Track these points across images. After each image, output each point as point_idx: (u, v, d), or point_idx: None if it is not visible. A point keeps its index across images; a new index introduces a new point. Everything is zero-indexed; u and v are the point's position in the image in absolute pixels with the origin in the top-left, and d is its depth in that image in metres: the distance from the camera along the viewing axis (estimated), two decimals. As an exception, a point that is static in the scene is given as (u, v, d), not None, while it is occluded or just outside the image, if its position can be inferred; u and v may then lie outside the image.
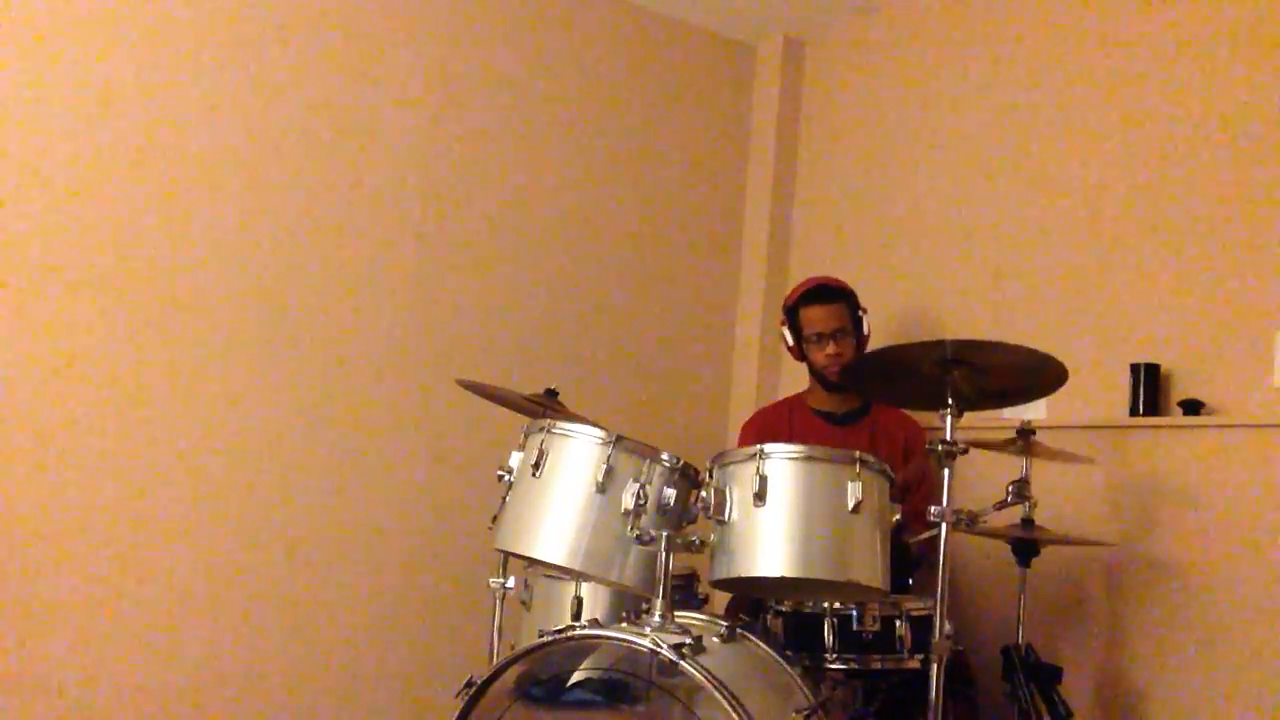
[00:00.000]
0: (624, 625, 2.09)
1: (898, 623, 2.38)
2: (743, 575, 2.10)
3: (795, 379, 3.53)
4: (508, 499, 2.29)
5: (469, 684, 2.17)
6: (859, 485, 2.09)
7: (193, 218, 3.01)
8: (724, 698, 1.88)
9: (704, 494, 2.15)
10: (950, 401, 2.22)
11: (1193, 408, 2.73)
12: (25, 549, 2.77)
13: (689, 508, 2.22)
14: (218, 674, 3.00)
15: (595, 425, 2.25)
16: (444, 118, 3.44)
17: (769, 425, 3.14)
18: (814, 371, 3.10)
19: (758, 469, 2.11)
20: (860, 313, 3.07)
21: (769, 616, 2.47)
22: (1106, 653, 2.86)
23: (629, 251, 3.81)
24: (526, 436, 2.32)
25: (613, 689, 2.10)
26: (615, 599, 2.53)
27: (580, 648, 2.10)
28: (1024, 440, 2.56)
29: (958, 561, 3.18)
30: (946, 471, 2.19)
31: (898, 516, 2.20)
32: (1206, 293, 2.79)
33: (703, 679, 1.90)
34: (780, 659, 2.25)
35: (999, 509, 2.39)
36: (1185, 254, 2.84)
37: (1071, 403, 2.92)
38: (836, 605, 2.38)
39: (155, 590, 2.93)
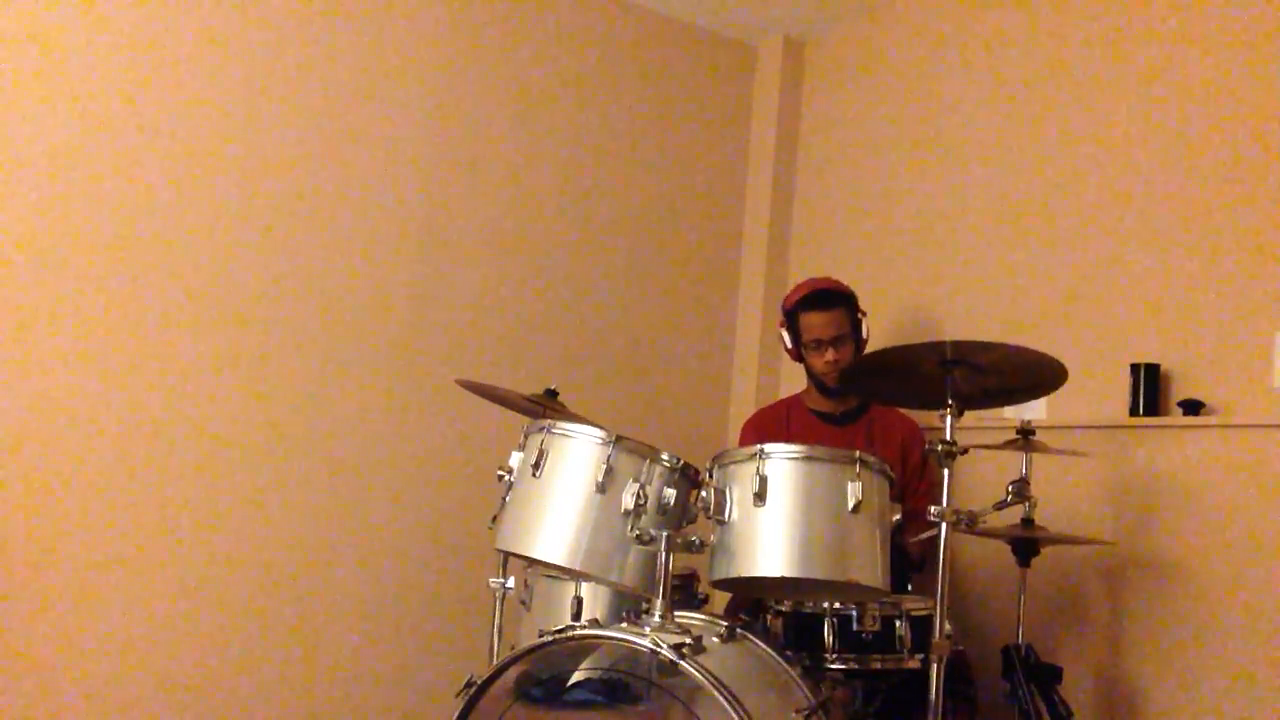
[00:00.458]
0: (624, 625, 2.09)
1: (898, 623, 2.38)
2: (743, 575, 2.10)
3: (795, 379, 3.53)
4: (508, 499, 2.29)
5: (469, 684, 2.17)
6: (859, 485, 2.09)
7: (192, 218, 3.01)
8: (724, 698, 1.88)
9: (704, 494, 2.14)
10: (950, 401, 2.22)
11: (1193, 408, 2.73)
12: (25, 549, 2.77)
13: (689, 508, 2.22)
14: (218, 674, 3.00)
15: (595, 425, 2.25)
16: (444, 117, 3.44)
17: (768, 425, 3.14)
18: (812, 374, 3.10)
19: (758, 469, 2.11)
20: (860, 316, 3.06)
21: (769, 616, 2.47)
22: (1106, 653, 2.86)
23: (629, 251, 3.81)
24: (526, 436, 2.32)
25: (613, 689, 2.10)
26: (615, 599, 2.52)
27: (580, 648, 2.10)
28: (1024, 440, 2.55)
29: (958, 561, 3.18)
30: (946, 471, 2.19)
31: (898, 516, 2.21)
32: (1206, 293, 2.79)
33: (703, 679, 1.90)
34: (780, 659, 2.24)
35: (999, 509, 2.38)
36: (1185, 254, 2.84)
37: (1071, 403, 2.93)
38: (836, 605, 2.38)
39: (155, 590, 2.93)
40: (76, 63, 2.87)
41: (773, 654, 2.25)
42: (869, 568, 2.10)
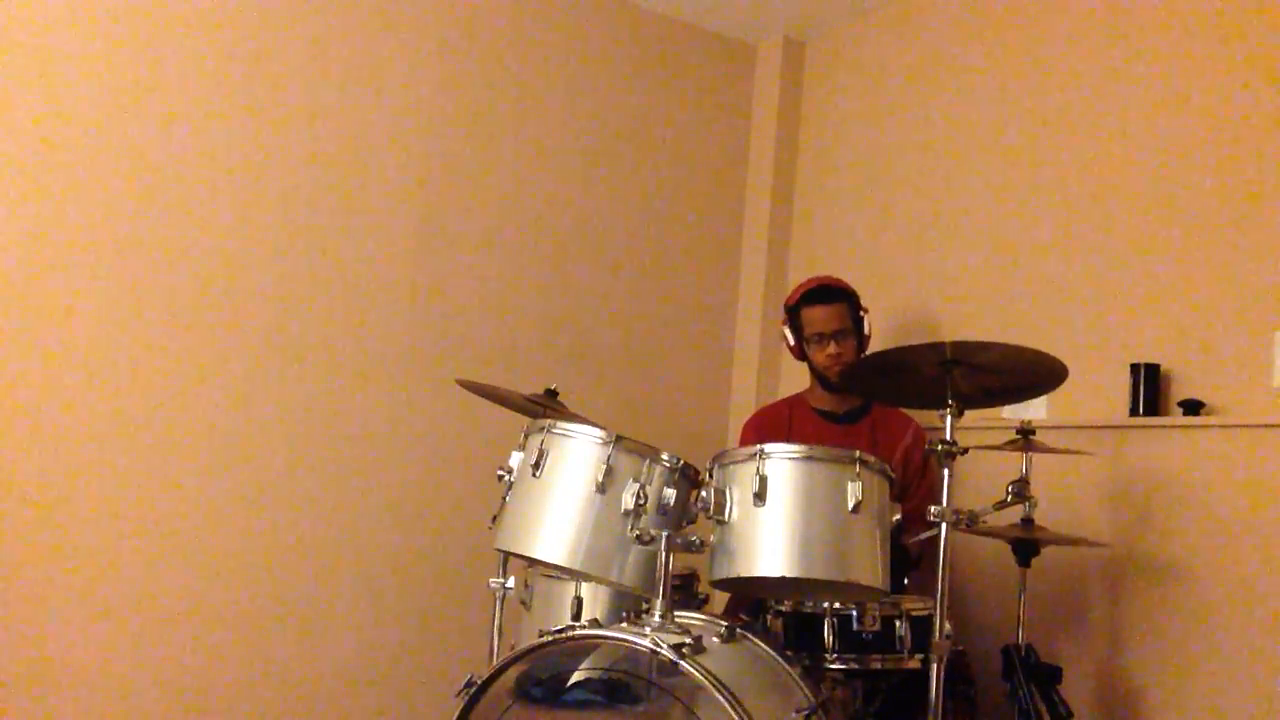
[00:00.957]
0: (624, 625, 2.09)
1: (898, 623, 2.38)
2: (743, 575, 2.10)
3: (795, 379, 3.53)
4: (508, 499, 2.29)
5: (469, 684, 2.17)
6: (859, 485, 2.10)
7: (192, 218, 3.01)
8: (724, 698, 1.88)
9: (704, 494, 2.14)
10: (950, 402, 2.22)
11: (1193, 408, 2.73)
12: (25, 549, 2.77)
13: (689, 508, 2.21)
14: (218, 674, 3.00)
15: (595, 425, 2.25)
16: (444, 118, 3.44)
17: (769, 424, 3.14)
18: (814, 371, 3.11)
19: (758, 469, 2.11)
20: (861, 313, 3.07)
21: (769, 616, 2.47)
22: (1106, 653, 2.86)
23: (629, 251, 3.81)
24: (526, 436, 2.32)
25: (613, 689, 2.10)
26: (615, 599, 2.52)
27: (580, 648, 2.10)
28: (1024, 440, 2.56)
29: (958, 561, 3.18)
30: (946, 471, 2.19)
31: (898, 516, 2.21)
32: (1206, 293, 2.78)
33: (703, 679, 1.90)
34: (780, 659, 2.24)
35: (999, 509, 2.39)
36: (1185, 254, 2.84)
37: (1071, 402, 2.93)
38: (836, 605, 2.38)
39: (155, 590, 2.93)
40: (76, 63, 2.87)
41: (773, 654, 2.25)
42: (869, 568, 2.11)
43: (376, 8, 3.33)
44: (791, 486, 2.11)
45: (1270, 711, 2.53)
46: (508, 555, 2.47)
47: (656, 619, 2.03)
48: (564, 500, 2.18)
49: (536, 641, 2.09)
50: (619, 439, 2.18)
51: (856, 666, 2.38)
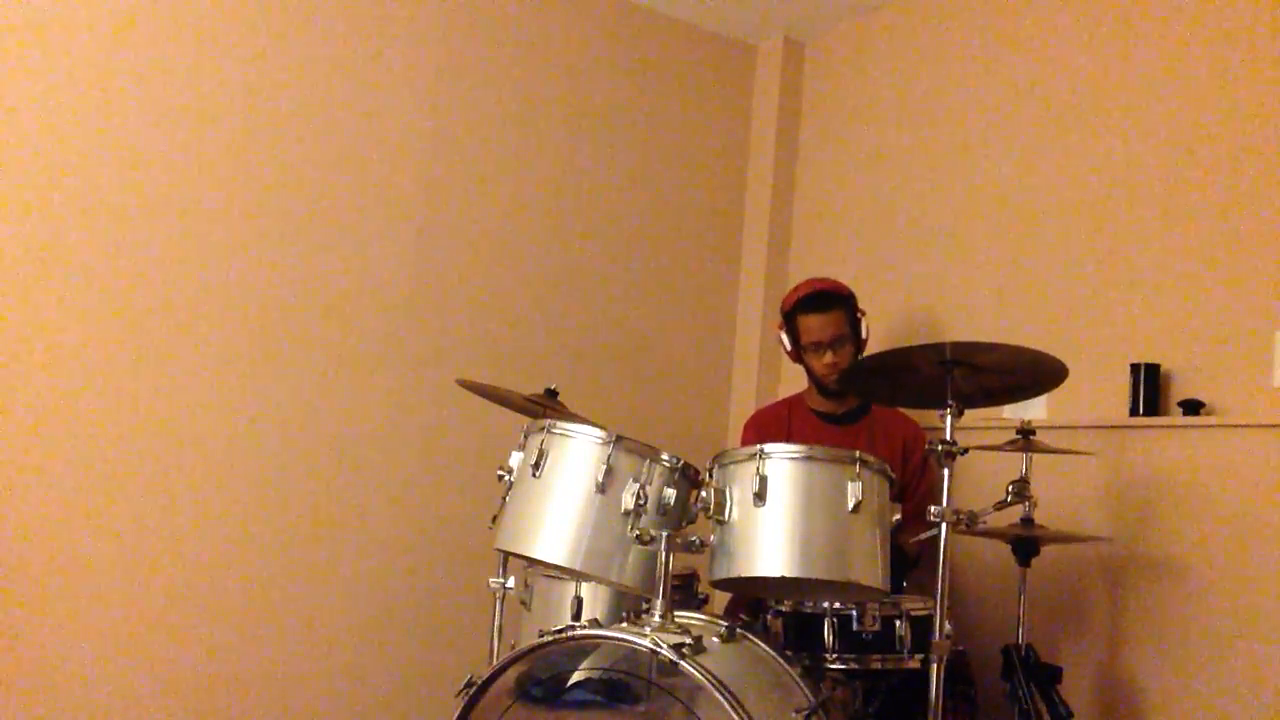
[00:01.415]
0: (624, 625, 2.09)
1: (898, 623, 2.38)
2: (743, 575, 2.10)
3: (795, 379, 3.53)
4: (508, 499, 2.29)
5: (469, 684, 2.17)
6: (859, 485, 2.10)
7: (191, 217, 3.01)
8: (724, 698, 1.88)
9: (704, 494, 2.15)
10: (950, 402, 2.22)
11: (1193, 408, 2.73)
12: (24, 549, 2.77)
13: (689, 508, 2.21)
14: (217, 674, 3.00)
15: (595, 425, 2.25)
16: (443, 117, 3.44)
17: (769, 424, 3.14)
18: (812, 376, 3.09)
19: (758, 469, 2.11)
20: (859, 315, 3.05)
21: (769, 616, 2.47)
22: (1106, 653, 2.86)
23: (629, 251, 3.81)
24: (526, 436, 2.32)
25: (613, 689, 2.10)
26: (615, 599, 2.52)
27: (580, 648, 2.10)
28: (1024, 440, 2.55)
29: (958, 561, 3.18)
30: (946, 471, 2.19)
31: (898, 516, 2.21)
32: (1206, 293, 2.78)
33: (703, 679, 1.90)
34: (780, 659, 2.24)
35: (999, 509, 2.39)
36: (1185, 254, 2.84)
37: (1072, 402, 2.93)
38: (836, 605, 2.38)
39: (154, 590, 2.93)
40: (76, 63, 2.87)
41: (773, 654, 2.25)
42: (869, 568, 2.11)
43: (376, 8, 3.33)
44: (791, 486, 2.11)
45: (1270, 711, 2.53)
46: (508, 555, 2.47)
47: (656, 619, 2.04)
48: (564, 500, 2.18)
49: (536, 641, 2.09)
50: (619, 439, 2.19)
51: (856, 666, 2.38)
